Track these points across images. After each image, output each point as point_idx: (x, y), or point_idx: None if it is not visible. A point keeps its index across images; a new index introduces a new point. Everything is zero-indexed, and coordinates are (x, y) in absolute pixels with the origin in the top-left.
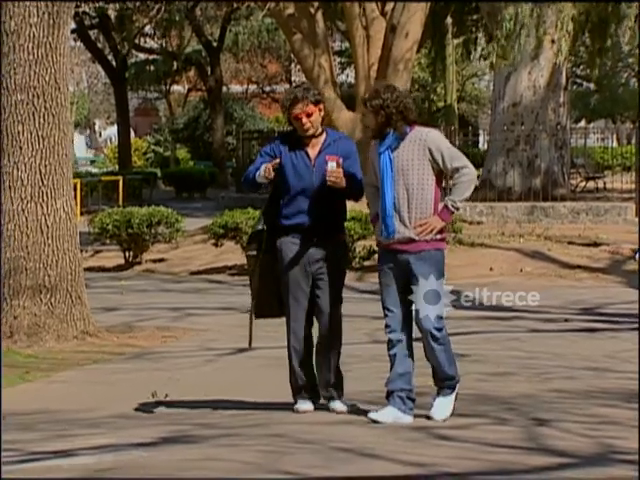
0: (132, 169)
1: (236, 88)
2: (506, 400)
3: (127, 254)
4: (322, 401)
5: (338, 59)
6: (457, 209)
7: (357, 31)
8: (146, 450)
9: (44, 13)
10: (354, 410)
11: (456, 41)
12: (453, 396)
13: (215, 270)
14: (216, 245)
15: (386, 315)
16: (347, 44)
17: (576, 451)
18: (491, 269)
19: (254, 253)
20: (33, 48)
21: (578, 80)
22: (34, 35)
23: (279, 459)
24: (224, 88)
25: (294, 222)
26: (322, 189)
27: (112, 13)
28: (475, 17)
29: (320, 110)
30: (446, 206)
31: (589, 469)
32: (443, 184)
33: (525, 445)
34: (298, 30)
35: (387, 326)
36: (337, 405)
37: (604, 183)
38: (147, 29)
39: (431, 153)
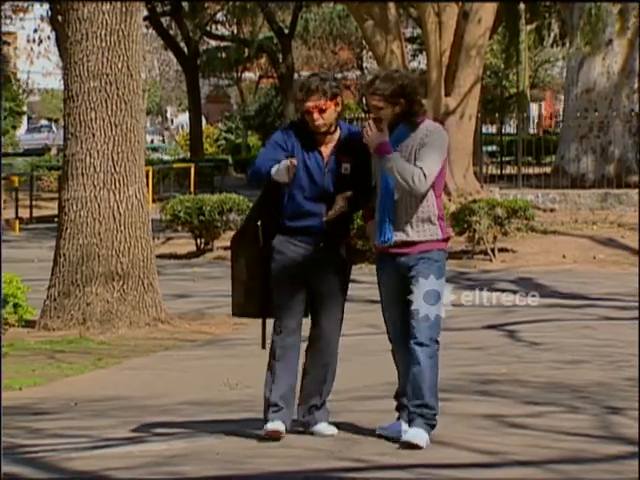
0: (204, 156)
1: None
2: (579, 388)
3: (199, 241)
4: (300, 418)
5: (410, 46)
6: (389, 159)
7: (429, 17)
8: (217, 437)
9: (117, 0)
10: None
11: (529, 27)
12: (427, 434)
13: None
14: None
15: (385, 323)
16: (419, 30)
17: None
18: (564, 256)
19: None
20: (106, 35)
21: None
22: (107, 22)
23: (350, 446)
24: (295, 75)
25: (301, 225)
26: (332, 192)
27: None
28: (548, 3)
29: (337, 104)
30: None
31: None
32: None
33: (598, 433)
34: (370, 17)
35: (387, 334)
36: (323, 428)
37: None
38: (219, 16)
39: (421, 145)
